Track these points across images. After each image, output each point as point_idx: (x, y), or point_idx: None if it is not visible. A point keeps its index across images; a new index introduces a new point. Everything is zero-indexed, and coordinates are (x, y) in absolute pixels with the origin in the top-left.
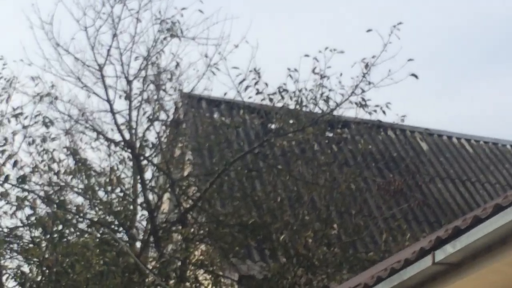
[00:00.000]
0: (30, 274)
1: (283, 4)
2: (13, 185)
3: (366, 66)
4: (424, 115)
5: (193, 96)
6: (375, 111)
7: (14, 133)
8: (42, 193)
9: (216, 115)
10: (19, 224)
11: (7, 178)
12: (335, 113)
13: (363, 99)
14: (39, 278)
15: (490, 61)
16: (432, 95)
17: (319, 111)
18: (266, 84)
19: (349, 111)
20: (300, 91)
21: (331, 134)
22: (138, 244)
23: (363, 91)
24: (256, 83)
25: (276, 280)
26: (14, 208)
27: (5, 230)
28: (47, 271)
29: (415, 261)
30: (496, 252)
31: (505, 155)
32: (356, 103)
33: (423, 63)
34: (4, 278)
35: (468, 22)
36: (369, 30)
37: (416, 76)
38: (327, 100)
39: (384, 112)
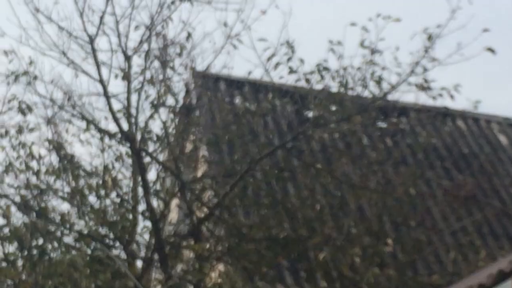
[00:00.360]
0: None
1: None
2: None
3: (429, 38)
4: (503, 100)
5: (208, 75)
6: (440, 95)
7: None
8: (17, 198)
9: (238, 100)
10: None
11: None
12: (389, 97)
13: (426, 81)
14: None
15: None
16: (508, 76)
17: (370, 95)
18: (302, 61)
19: (407, 96)
20: (345, 69)
21: (384, 125)
22: (140, 263)
23: (425, 70)
24: (289, 60)
25: None
26: None
27: None
28: None
29: (492, 286)
30: None
31: None
32: (416, 85)
33: (502, 35)
34: None
35: None
36: None
37: (493, 51)
38: (379, 82)
39: (452, 96)
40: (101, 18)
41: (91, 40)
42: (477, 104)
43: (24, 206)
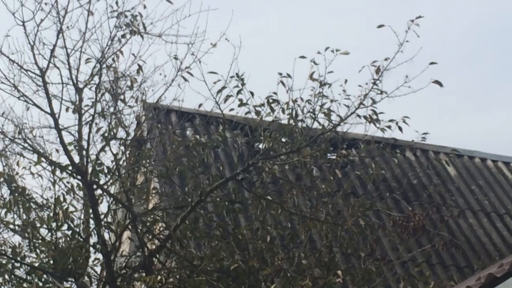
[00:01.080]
0: None
1: None
2: None
3: (378, 70)
4: (451, 132)
5: (159, 108)
6: (389, 127)
7: None
8: None
9: (189, 132)
10: None
11: None
12: (338, 129)
13: (374, 112)
14: None
15: None
16: (461, 107)
17: (319, 127)
18: (252, 94)
19: (356, 127)
20: (294, 101)
21: (334, 156)
22: None
23: (374, 102)
24: (239, 92)
25: None
26: None
27: None
28: None
29: None
30: None
31: None
32: (365, 117)
33: (449, 67)
34: None
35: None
36: (380, 26)
37: (440, 84)
38: (328, 114)
39: (400, 128)
40: (52, 51)
41: (42, 73)
42: (425, 135)
43: None
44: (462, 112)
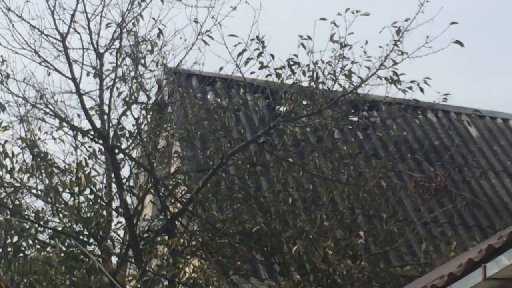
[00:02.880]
0: None
1: None
2: None
3: (398, 31)
4: (473, 93)
5: (180, 72)
6: (410, 88)
7: None
8: None
9: (210, 96)
10: None
11: None
12: (359, 91)
13: (395, 74)
14: None
15: None
16: (482, 68)
17: (340, 89)
18: (272, 56)
19: (377, 89)
20: (315, 64)
21: (355, 118)
22: (114, 259)
23: (395, 63)
24: (259, 55)
25: None
26: None
27: None
28: None
29: (462, 276)
30: None
31: None
32: (386, 79)
33: (471, 28)
34: None
35: None
36: None
37: (461, 44)
38: (349, 75)
39: (422, 89)
40: (72, 16)
41: (63, 38)
42: (447, 96)
43: None
44: (483, 72)
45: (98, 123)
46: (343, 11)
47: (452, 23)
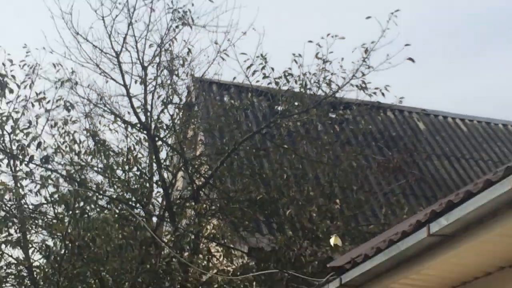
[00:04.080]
0: (54, 248)
1: None
2: (37, 165)
3: (366, 51)
4: (421, 96)
5: (204, 80)
6: (374, 93)
7: (37, 117)
8: (64, 172)
9: (226, 98)
10: (43, 201)
11: (31, 159)
12: (337, 95)
13: (363, 82)
14: (62, 251)
15: (484, 44)
16: (428, 77)
17: (322, 93)
18: (272, 69)
19: (350, 94)
20: (304, 75)
21: (333, 115)
22: (154, 219)
23: (363, 74)
24: (263, 68)
25: (283, 252)
26: (38, 186)
27: (31, 207)
28: (70, 245)
29: (411, 233)
30: (487, 224)
31: (497, 134)
32: (356, 86)
33: (421, 47)
34: (30, 251)
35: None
36: (368, 17)
37: (412, 60)
38: (329, 84)
39: (383, 94)
40: (124, 38)
41: (117, 55)
42: (402, 99)
43: (69, 178)
44: (430, 80)
45: (143, 118)
46: (325, 36)
47: (406, 44)
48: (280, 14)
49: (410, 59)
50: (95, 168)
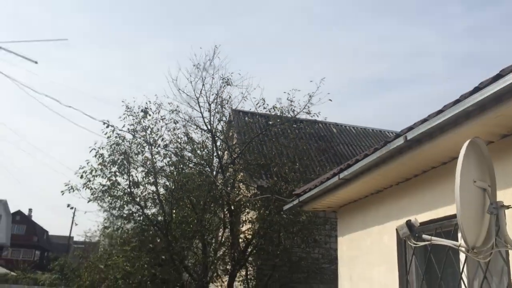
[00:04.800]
0: (169, 186)
1: (273, 65)
2: (163, 147)
3: (310, 97)
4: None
5: (236, 110)
6: (314, 115)
7: (162, 126)
8: (173, 151)
9: (246, 118)
10: (164, 164)
11: (166, 146)
12: (297, 116)
13: (309, 111)
14: (173, 187)
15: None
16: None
17: (289, 115)
18: (267, 103)
19: (302, 115)
20: (281, 107)
21: (295, 125)
22: (214, 173)
23: (308, 107)
24: (263, 104)
25: (272, 187)
26: (162, 157)
27: (159, 166)
28: (173, 187)
29: (331, 177)
30: (370, 172)
31: (369, 134)
32: (306, 112)
33: (339, 93)
34: (159, 187)
35: None
36: (311, 81)
37: (331, 100)
38: (293, 111)
39: (317, 115)
40: (200, 90)
41: (197, 98)
42: (326, 117)
43: (175, 154)
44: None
45: (209, 127)
46: (291, 89)
47: (328, 93)
48: (273, 71)
49: (329, 99)
50: (187, 150)
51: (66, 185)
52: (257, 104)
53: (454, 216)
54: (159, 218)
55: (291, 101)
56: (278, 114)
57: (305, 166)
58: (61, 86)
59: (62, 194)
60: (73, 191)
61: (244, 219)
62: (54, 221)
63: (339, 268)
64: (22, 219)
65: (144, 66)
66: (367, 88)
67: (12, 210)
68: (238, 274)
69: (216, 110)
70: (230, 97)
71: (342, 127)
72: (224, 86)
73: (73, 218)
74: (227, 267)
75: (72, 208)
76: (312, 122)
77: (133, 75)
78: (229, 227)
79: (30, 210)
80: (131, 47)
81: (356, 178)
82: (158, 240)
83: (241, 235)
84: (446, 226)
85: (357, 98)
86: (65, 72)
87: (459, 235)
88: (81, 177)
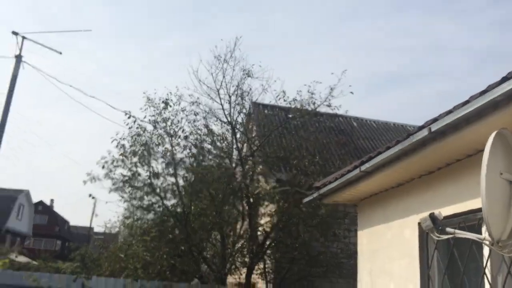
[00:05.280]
0: (189, 178)
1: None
2: (183, 138)
3: (331, 89)
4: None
5: (256, 102)
6: (335, 108)
7: (182, 117)
8: (193, 142)
9: (266, 111)
10: (184, 156)
11: (186, 137)
12: (318, 109)
13: (329, 104)
14: (193, 179)
15: None
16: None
17: (310, 108)
18: (287, 96)
19: (322, 109)
20: (301, 99)
21: (315, 119)
22: (233, 165)
23: (329, 100)
24: (283, 96)
25: (292, 181)
26: (182, 149)
27: (178, 157)
28: (193, 179)
29: (352, 170)
30: (392, 165)
31: (390, 129)
32: (327, 105)
33: (360, 86)
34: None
35: None
36: (332, 73)
37: (352, 92)
38: (314, 103)
39: (338, 108)
40: (221, 82)
41: (217, 90)
42: (347, 111)
43: (195, 146)
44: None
45: (229, 119)
46: (312, 82)
47: (350, 85)
48: (293, 66)
49: (351, 92)
50: (207, 142)
51: (88, 175)
52: (277, 96)
53: (479, 209)
54: (178, 209)
55: (312, 94)
56: (298, 106)
57: (325, 159)
58: (82, 77)
59: (85, 183)
60: (95, 181)
61: (263, 212)
62: (75, 212)
63: (358, 261)
64: (44, 210)
65: (162, 60)
66: (388, 81)
67: (34, 200)
68: (256, 267)
69: (236, 102)
70: (250, 89)
71: (362, 121)
72: (245, 77)
73: (93, 209)
74: (245, 259)
75: (93, 198)
76: (333, 116)
77: (152, 68)
78: (247, 219)
79: (52, 200)
80: (149, 42)
81: (378, 170)
82: (177, 232)
83: (260, 228)
84: (470, 220)
85: (379, 92)
86: (85, 64)
87: (483, 229)
88: (103, 167)
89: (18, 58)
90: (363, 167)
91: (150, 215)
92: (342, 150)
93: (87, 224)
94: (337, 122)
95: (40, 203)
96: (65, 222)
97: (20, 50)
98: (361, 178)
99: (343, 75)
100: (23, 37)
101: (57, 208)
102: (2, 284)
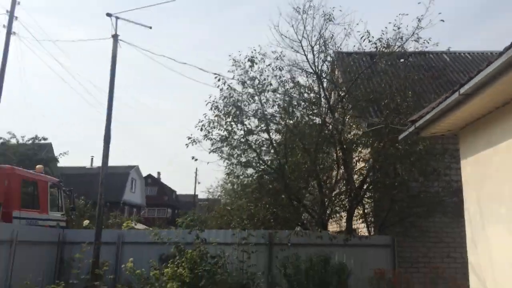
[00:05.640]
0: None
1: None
2: (271, 91)
3: (419, 20)
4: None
5: (339, 51)
6: (424, 42)
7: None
8: (281, 97)
9: (350, 59)
10: (274, 111)
11: (274, 90)
12: (405, 45)
13: (417, 38)
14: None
15: None
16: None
17: (396, 47)
18: (372, 36)
19: (410, 44)
20: (387, 38)
21: (402, 59)
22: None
23: (417, 33)
24: (368, 37)
25: (385, 121)
26: (271, 105)
27: (268, 113)
28: (285, 131)
29: (449, 96)
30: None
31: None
32: (414, 40)
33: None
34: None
35: None
36: (419, 3)
37: (443, 20)
38: (401, 38)
39: (427, 41)
40: (302, 33)
41: (300, 41)
42: (437, 43)
43: (284, 100)
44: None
45: (314, 69)
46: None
47: (441, 20)
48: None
49: (442, 20)
50: (295, 94)
51: (189, 139)
52: (361, 37)
53: None
54: (274, 163)
55: (398, 27)
56: (385, 47)
57: (418, 94)
58: (169, 51)
59: (187, 146)
60: (195, 143)
61: (357, 158)
62: (180, 182)
63: (464, 191)
64: (153, 182)
65: (245, 28)
66: (482, 11)
67: (144, 174)
68: (355, 212)
69: (320, 50)
70: (332, 35)
71: (455, 54)
72: (327, 23)
73: (195, 177)
74: (344, 203)
75: (196, 160)
76: (421, 54)
77: (235, 37)
78: (343, 166)
79: (158, 173)
80: (220, 13)
81: (478, 91)
82: (276, 183)
83: (356, 173)
84: None
85: (475, 22)
86: (164, 40)
87: None
88: (201, 129)
89: (115, 37)
90: (462, 90)
91: (250, 170)
92: (434, 83)
93: (191, 192)
94: (427, 59)
95: (149, 176)
96: (172, 191)
97: (115, 29)
98: (461, 102)
99: (431, 2)
100: (117, 17)
101: (164, 180)
102: (128, 242)
